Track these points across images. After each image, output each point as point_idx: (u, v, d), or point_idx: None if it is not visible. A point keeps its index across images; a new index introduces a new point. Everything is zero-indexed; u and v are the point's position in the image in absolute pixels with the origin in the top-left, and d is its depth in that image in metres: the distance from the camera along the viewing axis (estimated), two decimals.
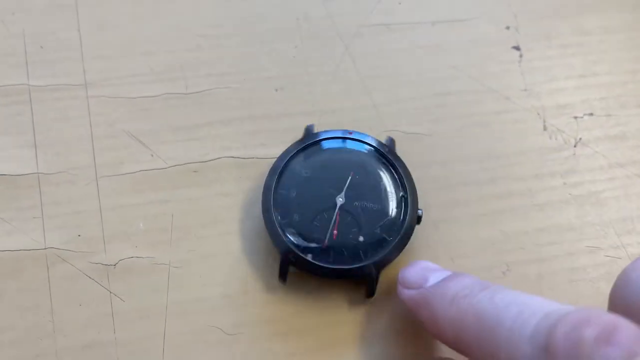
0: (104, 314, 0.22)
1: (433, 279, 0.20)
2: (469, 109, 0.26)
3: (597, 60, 0.27)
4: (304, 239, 0.21)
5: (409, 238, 0.22)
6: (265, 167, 0.24)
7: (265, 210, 0.22)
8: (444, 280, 0.19)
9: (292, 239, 0.21)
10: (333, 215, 0.21)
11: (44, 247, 0.22)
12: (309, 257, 0.21)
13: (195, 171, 0.24)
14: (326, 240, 0.21)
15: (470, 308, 0.17)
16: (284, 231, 0.21)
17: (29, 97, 0.24)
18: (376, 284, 0.21)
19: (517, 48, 0.27)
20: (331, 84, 0.26)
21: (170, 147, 0.24)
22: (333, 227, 0.21)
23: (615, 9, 0.28)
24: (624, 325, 0.14)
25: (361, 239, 0.21)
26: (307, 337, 0.22)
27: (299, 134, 0.25)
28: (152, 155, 0.24)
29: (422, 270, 0.20)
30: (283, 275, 0.21)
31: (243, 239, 0.23)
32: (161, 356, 0.21)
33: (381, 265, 0.21)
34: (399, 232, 0.21)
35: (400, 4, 0.27)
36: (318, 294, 0.22)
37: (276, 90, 0.25)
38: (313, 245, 0.21)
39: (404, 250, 0.22)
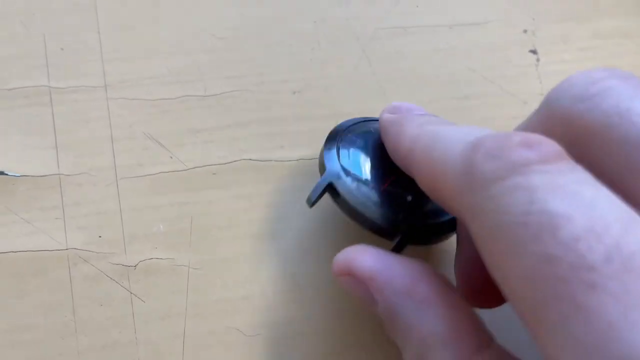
0: (125, 315, 0.22)
1: (418, 112, 0.21)
2: (487, 113, 0.26)
3: (615, 64, 0.27)
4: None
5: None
6: (283, 170, 0.24)
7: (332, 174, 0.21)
8: (427, 114, 0.21)
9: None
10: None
11: (65, 248, 0.23)
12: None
13: (214, 173, 0.24)
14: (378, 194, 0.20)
15: (432, 128, 0.18)
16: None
17: (50, 99, 0.25)
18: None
19: (534, 52, 0.27)
20: (348, 86, 0.26)
21: (189, 149, 0.24)
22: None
23: (633, 13, 0.28)
24: (550, 141, 0.14)
25: (409, 200, 0.21)
26: (327, 339, 0.22)
27: (316, 137, 0.25)
28: (171, 157, 0.24)
29: (412, 106, 0.22)
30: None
31: (261, 241, 0.23)
32: (181, 356, 0.22)
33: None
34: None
35: (417, 6, 0.27)
36: (334, 297, 0.23)
37: (294, 93, 0.26)
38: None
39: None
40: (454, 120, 0.26)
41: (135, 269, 0.23)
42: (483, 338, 0.15)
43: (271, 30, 0.26)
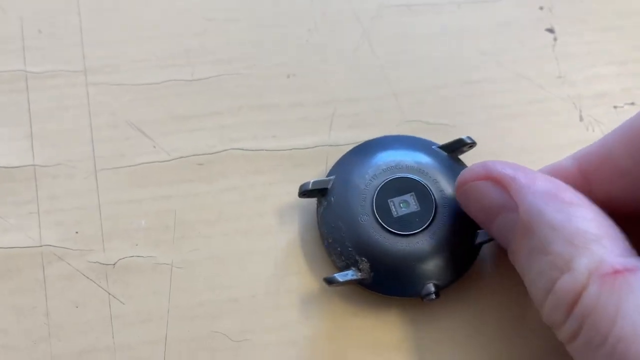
0: (102, 317, 0.20)
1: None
2: (499, 99, 0.24)
3: (639, 45, 0.25)
4: None
5: None
6: (275, 161, 0.22)
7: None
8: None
9: None
10: None
11: (39, 245, 0.21)
12: None
13: (200, 164, 0.22)
14: None
15: None
16: None
17: (26, 85, 0.23)
18: None
19: (551, 31, 0.25)
20: (348, 70, 0.24)
21: (174, 138, 0.23)
22: None
23: None
24: None
25: None
26: (317, 344, 0.20)
27: (312, 125, 0.23)
28: (154, 147, 0.22)
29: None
30: None
31: (251, 238, 0.21)
32: None
33: None
34: None
35: None
36: (327, 300, 0.21)
37: (288, 77, 0.24)
38: None
39: None
40: (464, 107, 0.24)
41: (114, 267, 0.21)
42: (629, 245, 0.15)
43: (263, 9, 0.24)
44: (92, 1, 0.24)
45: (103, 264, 0.21)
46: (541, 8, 0.25)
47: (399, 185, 0.20)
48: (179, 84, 0.23)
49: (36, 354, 0.20)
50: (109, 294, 0.21)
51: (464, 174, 0.18)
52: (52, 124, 0.23)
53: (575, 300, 0.15)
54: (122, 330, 0.20)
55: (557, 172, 0.18)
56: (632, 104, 0.24)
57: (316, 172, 0.22)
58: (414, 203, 0.20)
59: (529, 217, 0.16)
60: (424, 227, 0.19)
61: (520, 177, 0.17)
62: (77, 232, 0.21)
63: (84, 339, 0.20)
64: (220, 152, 0.22)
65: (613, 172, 0.18)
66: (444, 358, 0.20)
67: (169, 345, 0.20)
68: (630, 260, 0.15)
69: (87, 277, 0.21)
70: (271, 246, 0.21)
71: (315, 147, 0.23)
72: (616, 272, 0.14)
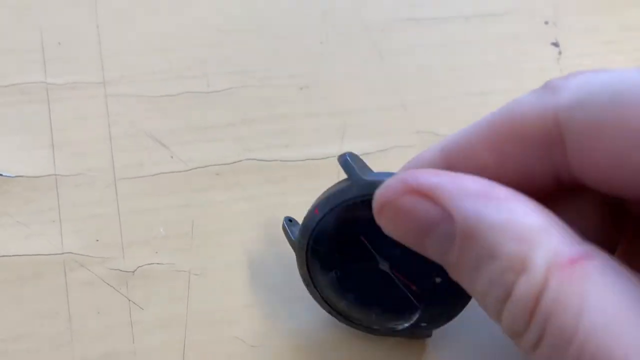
0: (123, 323, 0.21)
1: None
2: None
3: None
4: None
5: None
6: (289, 171, 0.23)
7: None
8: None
9: None
10: None
11: (61, 252, 0.22)
12: None
13: (217, 174, 0.23)
14: None
15: None
16: None
17: (47, 96, 0.24)
18: None
19: (556, 44, 0.26)
20: (358, 82, 0.25)
21: (190, 148, 0.23)
22: None
23: None
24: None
25: None
26: (332, 351, 0.21)
27: (324, 135, 0.24)
28: (172, 157, 0.23)
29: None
30: None
31: (266, 246, 0.22)
32: None
33: None
34: None
35: None
36: None
37: (301, 89, 0.24)
38: None
39: None
40: (471, 118, 0.24)
41: (133, 274, 0.22)
42: (576, 233, 0.14)
43: (277, 22, 0.25)
44: (110, 13, 0.25)
45: (123, 271, 0.22)
46: (546, 22, 0.26)
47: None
48: (195, 96, 0.24)
49: (59, 358, 0.21)
50: (129, 300, 0.21)
51: (381, 194, 0.16)
52: (73, 134, 0.23)
53: (536, 302, 0.13)
54: (142, 335, 0.21)
55: (424, 165, 0.17)
56: None
57: (329, 181, 0.23)
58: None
59: (468, 223, 0.14)
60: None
61: (447, 183, 0.15)
62: (97, 240, 0.22)
63: (104, 344, 0.21)
64: (235, 162, 0.23)
65: (475, 166, 0.16)
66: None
67: (188, 350, 0.21)
68: (583, 248, 0.13)
69: (108, 284, 0.21)
70: (286, 253, 0.22)
71: (328, 157, 0.23)
72: (573, 261, 0.13)
